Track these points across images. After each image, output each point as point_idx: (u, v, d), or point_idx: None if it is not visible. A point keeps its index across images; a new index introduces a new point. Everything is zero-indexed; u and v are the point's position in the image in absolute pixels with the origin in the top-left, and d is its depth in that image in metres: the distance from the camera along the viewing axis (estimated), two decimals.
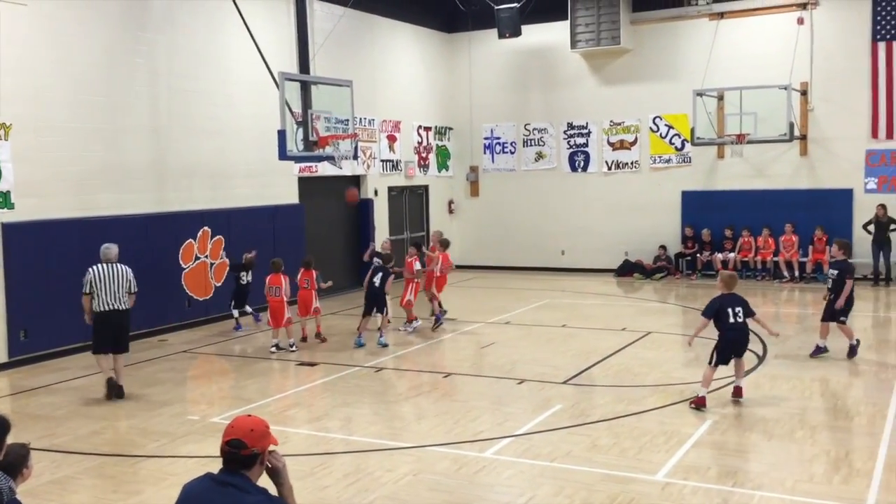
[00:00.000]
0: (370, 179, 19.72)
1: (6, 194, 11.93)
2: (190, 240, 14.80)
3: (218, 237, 15.34)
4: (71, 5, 12.82)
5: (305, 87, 13.58)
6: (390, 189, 20.51)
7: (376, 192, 19.93)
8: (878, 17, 18.16)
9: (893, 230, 17.72)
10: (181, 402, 10.11)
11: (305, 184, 17.59)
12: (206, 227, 15.09)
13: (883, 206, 17.74)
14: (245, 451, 3.53)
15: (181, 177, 14.70)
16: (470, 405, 9.54)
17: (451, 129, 22.84)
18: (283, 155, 13.03)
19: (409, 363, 11.97)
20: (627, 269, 20.60)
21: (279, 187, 16.87)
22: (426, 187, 22.04)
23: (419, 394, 10.17)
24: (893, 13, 18.03)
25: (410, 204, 21.56)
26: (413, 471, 7.42)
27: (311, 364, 11.83)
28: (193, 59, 14.92)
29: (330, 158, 14.16)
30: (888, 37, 18.11)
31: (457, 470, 7.44)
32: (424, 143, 21.86)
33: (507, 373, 10.98)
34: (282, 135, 12.77)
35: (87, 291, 10.06)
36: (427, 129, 21.96)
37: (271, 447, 3.64)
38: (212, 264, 15.24)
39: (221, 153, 15.48)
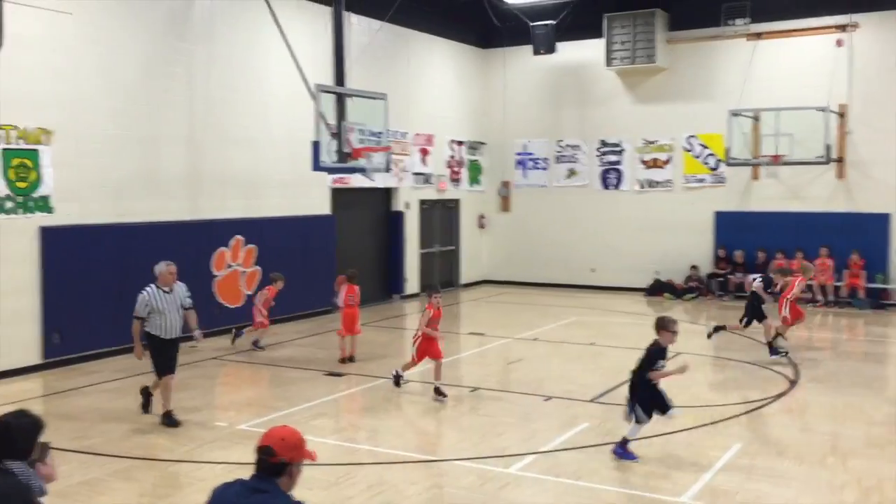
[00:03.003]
0: (402, 192, 19.81)
1: (46, 199, 12.17)
2: (222, 248, 14.97)
3: (251, 246, 15.50)
4: (114, 14, 13.08)
5: (340, 100, 13.70)
6: (422, 202, 20.59)
7: (407, 206, 20.01)
8: None
9: None
10: (209, 408, 10.21)
11: (338, 195, 17.72)
12: (238, 236, 15.26)
13: None
14: (273, 459, 3.58)
15: (215, 185, 14.89)
16: (496, 420, 9.52)
17: (483, 143, 22.89)
18: (317, 166, 13.13)
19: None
20: (658, 289, 20.45)
21: (312, 198, 17.01)
22: (457, 201, 22.09)
23: (445, 407, 10.16)
24: None
25: (441, 218, 21.62)
26: (437, 484, 7.41)
27: (338, 375, 11.87)
28: (230, 69, 15.14)
29: (362, 170, 14.25)
30: None
31: (481, 485, 7.42)
32: (457, 158, 21.92)
33: (534, 389, 10.94)
34: (316, 146, 12.88)
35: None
36: (459, 143, 22.03)
37: (306, 461, 3.67)
38: (243, 272, 15.39)
39: (255, 163, 15.66)
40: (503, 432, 9.02)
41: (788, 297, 13.23)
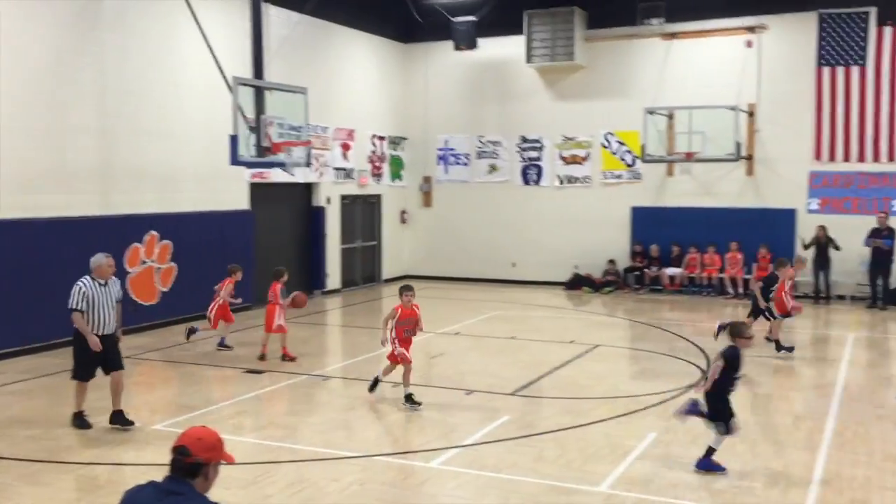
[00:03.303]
0: (323, 187, 19.62)
1: None
2: (136, 244, 14.54)
3: (166, 242, 15.10)
4: (18, 3, 12.53)
5: (259, 93, 13.46)
6: (343, 197, 20.43)
7: (328, 201, 19.83)
8: (823, 44, 18.69)
9: (840, 249, 18.15)
10: (123, 408, 9.88)
11: (257, 190, 17.43)
12: (153, 232, 14.84)
13: (823, 228, 18.22)
14: (188, 459, 3.49)
15: (128, 179, 14.45)
16: (417, 415, 9.52)
17: (405, 139, 22.86)
18: (235, 160, 12.89)
19: (357, 372, 11.90)
20: (577, 283, 20.81)
21: (230, 193, 16.69)
22: (379, 196, 22.00)
23: (366, 403, 10.12)
24: (837, 40, 18.60)
25: (363, 213, 21.50)
26: (359, 480, 7.37)
27: (258, 372, 11.69)
28: (144, 60, 14.71)
29: (282, 165, 14.05)
30: (832, 62, 18.66)
31: (403, 480, 7.42)
32: (378, 153, 21.83)
33: (455, 383, 10.99)
34: (234, 140, 12.64)
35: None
36: (381, 138, 21.94)
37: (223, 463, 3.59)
38: (158, 269, 14.99)
39: (171, 157, 15.26)
40: (425, 427, 9.04)
41: (785, 290, 13.16)
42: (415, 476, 7.51)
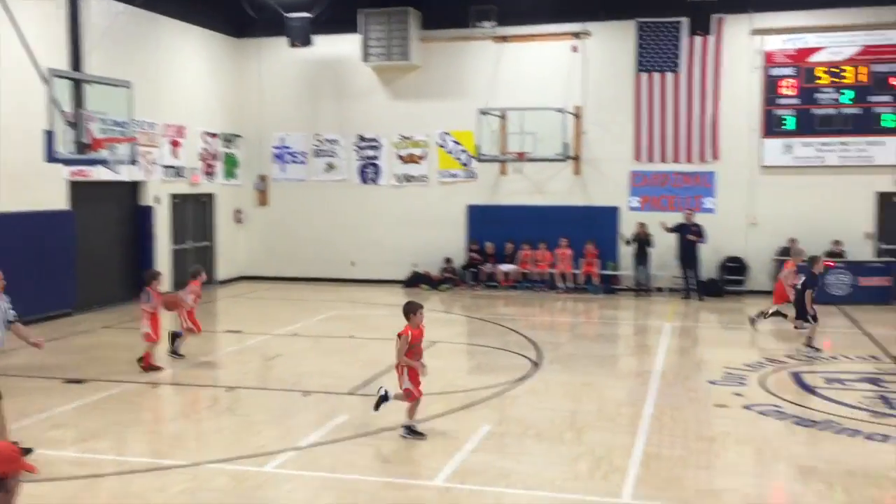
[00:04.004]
0: (151, 185, 18.77)
1: None
2: None
3: None
4: None
5: (78, 86, 12.73)
6: (173, 196, 19.63)
7: (157, 200, 18.99)
8: (641, 51, 19.87)
9: (653, 246, 19.36)
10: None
11: (77, 189, 16.41)
12: None
13: (643, 224, 19.37)
14: None
15: None
16: (252, 419, 9.32)
17: (239, 136, 22.25)
18: (51, 157, 12.10)
19: (190, 378, 11.49)
20: (415, 281, 21.04)
21: (46, 192, 15.61)
22: (212, 195, 21.31)
23: (198, 409, 9.80)
24: (653, 47, 19.82)
25: (195, 212, 20.75)
26: (188, 489, 7.12)
27: (80, 381, 11.03)
28: None
29: (104, 162, 13.34)
30: (649, 68, 19.86)
31: (235, 486, 7.23)
32: (210, 150, 21.14)
33: (292, 385, 10.84)
34: (49, 135, 11.86)
35: None
36: (213, 135, 21.25)
37: (25, 474, 3.40)
38: None
39: None
40: (260, 431, 8.85)
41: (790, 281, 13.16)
42: (248, 481, 7.34)
